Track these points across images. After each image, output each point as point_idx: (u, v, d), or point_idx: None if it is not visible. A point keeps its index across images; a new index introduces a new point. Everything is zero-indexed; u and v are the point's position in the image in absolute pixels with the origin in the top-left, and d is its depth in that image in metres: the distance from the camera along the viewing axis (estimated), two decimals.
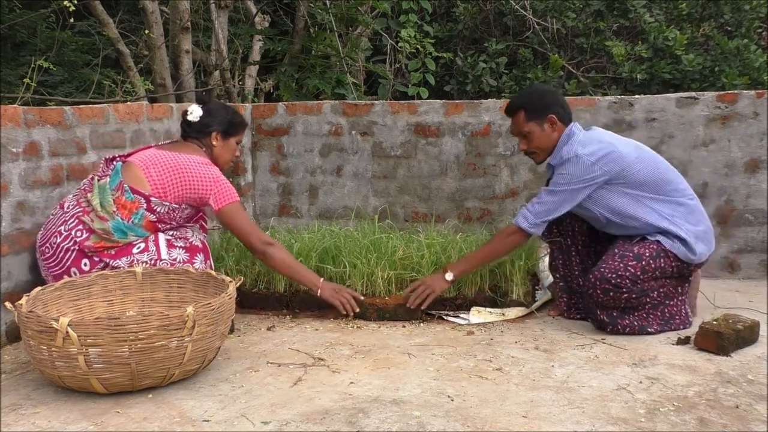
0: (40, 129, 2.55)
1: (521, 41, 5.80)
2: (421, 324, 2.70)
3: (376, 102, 3.73)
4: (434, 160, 3.66)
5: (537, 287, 3.04)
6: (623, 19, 5.50)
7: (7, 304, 2.00)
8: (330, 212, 3.81)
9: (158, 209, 2.46)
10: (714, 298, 2.89)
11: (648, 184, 2.51)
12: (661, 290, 2.53)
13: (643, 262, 2.47)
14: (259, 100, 5.54)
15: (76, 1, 3.65)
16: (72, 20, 4.07)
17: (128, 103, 3.34)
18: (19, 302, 2.02)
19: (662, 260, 2.48)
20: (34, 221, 2.52)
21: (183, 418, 1.87)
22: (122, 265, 2.42)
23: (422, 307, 2.68)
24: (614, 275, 2.47)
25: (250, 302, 2.87)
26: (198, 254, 2.54)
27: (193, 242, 2.56)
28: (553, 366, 2.23)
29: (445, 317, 2.76)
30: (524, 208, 2.59)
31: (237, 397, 2.00)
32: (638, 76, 5.09)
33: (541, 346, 2.43)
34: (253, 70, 5.65)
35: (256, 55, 5.75)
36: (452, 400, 1.96)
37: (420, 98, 5.27)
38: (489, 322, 2.70)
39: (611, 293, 2.48)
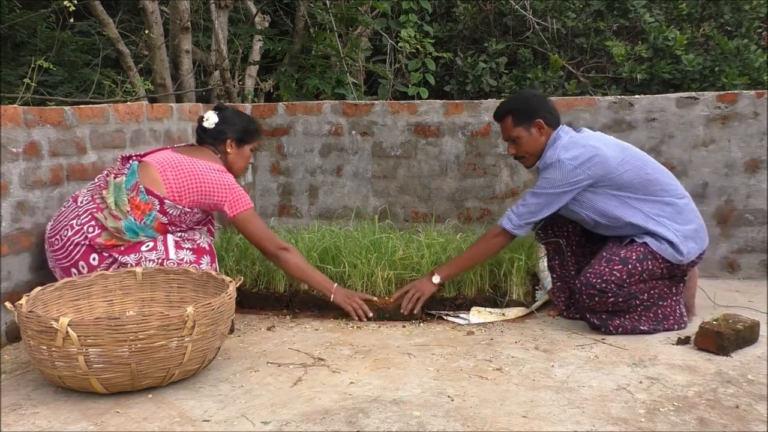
0: (40, 129, 2.55)
1: (521, 41, 5.80)
2: (421, 324, 2.70)
3: (376, 102, 3.74)
4: (434, 160, 3.66)
5: (537, 287, 3.05)
6: (623, 19, 5.50)
7: (7, 304, 2.00)
8: (330, 212, 3.81)
9: (171, 212, 2.49)
10: (714, 298, 2.89)
11: (634, 186, 2.51)
12: (653, 292, 2.54)
13: (629, 266, 2.48)
14: (259, 100, 5.54)
15: (76, 1, 3.64)
16: (72, 20, 4.07)
17: (128, 103, 3.34)
18: (19, 302, 2.02)
19: (650, 262, 2.49)
20: (34, 221, 2.52)
21: (183, 418, 1.87)
22: (130, 262, 2.44)
23: (414, 312, 2.70)
24: (599, 280, 2.48)
25: (250, 302, 2.87)
26: (204, 256, 2.57)
27: (201, 244, 2.59)
28: (553, 366, 2.23)
29: (445, 317, 2.76)
30: (509, 210, 2.62)
31: (237, 397, 2.00)
32: (638, 76, 5.09)
33: (541, 346, 2.43)
34: (253, 70, 5.65)
35: (256, 55, 5.74)
36: (452, 400, 1.96)
37: (420, 98, 5.27)
38: (489, 322, 2.70)
39: (596, 298, 2.49)
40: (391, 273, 2.79)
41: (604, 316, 2.55)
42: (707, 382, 2.09)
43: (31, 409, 1.93)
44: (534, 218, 2.57)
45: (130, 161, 2.54)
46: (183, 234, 2.58)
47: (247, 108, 3.82)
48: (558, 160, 2.50)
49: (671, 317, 2.57)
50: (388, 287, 2.79)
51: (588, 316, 2.59)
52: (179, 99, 4.57)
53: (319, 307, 2.80)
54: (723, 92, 3.37)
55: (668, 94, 3.43)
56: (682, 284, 2.62)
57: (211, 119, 2.67)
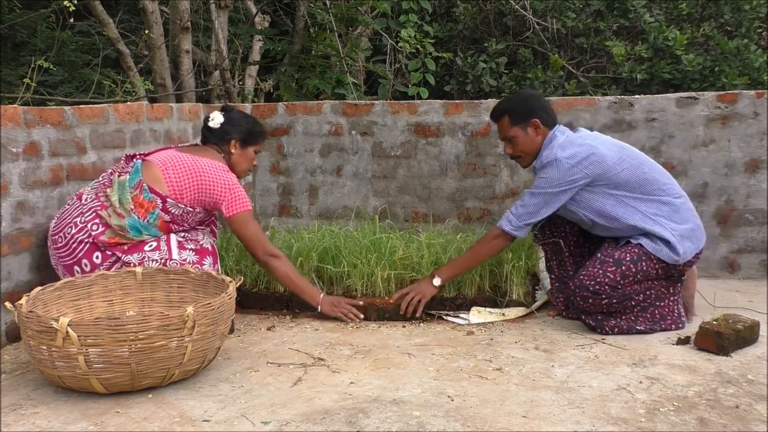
0: (40, 129, 2.55)
1: (521, 41, 5.80)
2: (421, 324, 2.70)
3: (376, 102, 3.74)
4: (434, 160, 3.66)
5: (537, 287, 3.04)
6: (623, 19, 5.50)
7: (7, 304, 2.00)
8: (330, 212, 3.81)
9: (173, 210, 2.49)
10: (714, 298, 2.89)
11: (630, 184, 2.51)
12: (649, 292, 2.54)
13: (623, 267, 2.48)
14: (259, 100, 5.54)
15: (76, 1, 3.64)
16: (72, 20, 4.07)
17: (128, 103, 3.34)
18: (19, 302, 2.02)
19: (644, 263, 2.49)
20: (34, 221, 2.52)
21: (183, 418, 1.87)
22: (133, 261, 2.45)
23: (416, 315, 2.70)
24: (592, 282, 2.48)
25: (250, 302, 2.87)
26: (207, 257, 2.57)
27: (204, 245, 2.60)
28: (553, 366, 2.23)
29: (445, 317, 2.76)
30: (508, 212, 2.62)
31: (237, 397, 2.00)
32: (638, 76, 5.09)
33: (541, 346, 2.43)
34: (253, 70, 5.65)
35: (256, 55, 5.75)
36: (452, 400, 1.96)
37: (420, 98, 5.27)
38: (489, 322, 2.70)
39: (590, 300, 2.49)
40: (391, 273, 2.80)
41: (599, 317, 2.55)
42: (707, 382, 2.09)
43: (31, 409, 1.93)
44: (533, 218, 2.57)
45: (134, 160, 2.55)
46: (186, 234, 2.59)
47: (247, 108, 3.82)
48: (555, 159, 2.50)
49: (669, 317, 2.57)
50: (388, 287, 2.79)
51: (583, 317, 2.59)
52: (179, 99, 4.57)
53: None
54: (723, 92, 3.37)
55: (668, 94, 3.43)
56: (679, 284, 2.62)
57: (216, 119, 2.69)
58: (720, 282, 3.27)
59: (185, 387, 2.07)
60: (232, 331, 2.56)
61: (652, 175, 2.55)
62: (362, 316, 2.71)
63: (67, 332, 1.86)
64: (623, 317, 2.54)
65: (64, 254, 2.42)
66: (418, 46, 5.34)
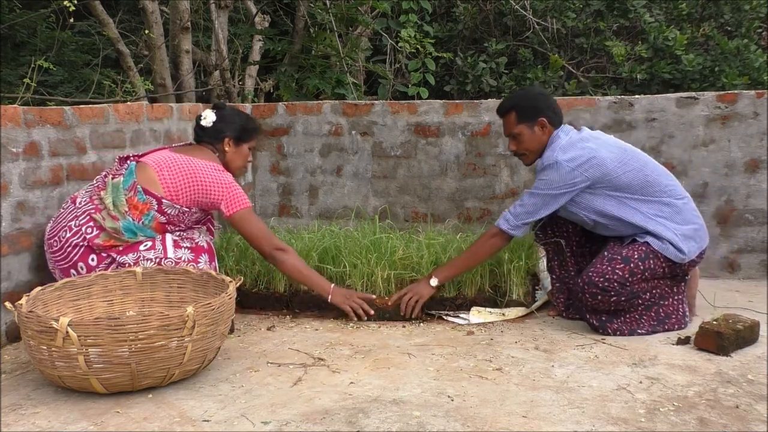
0: (40, 129, 2.55)
1: (521, 41, 5.80)
2: (421, 324, 2.70)
3: (376, 102, 3.74)
4: (434, 160, 3.66)
5: (537, 287, 3.04)
6: (623, 19, 5.50)
7: (7, 304, 2.00)
8: (330, 212, 3.81)
9: (169, 211, 2.48)
10: (714, 298, 2.89)
11: (632, 187, 2.51)
12: (655, 291, 2.54)
13: (632, 265, 2.48)
14: (259, 100, 5.54)
15: (76, 1, 3.64)
16: (72, 20, 4.07)
17: (128, 103, 3.34)
18: (19, 302, 2.02)
19: (651, 261, 2.49)
20: (34, 221, 2.52)
21: (183, 418, 1.87)
22: (129, 261, 2.44)
23: (414, 316, 2.70)
24: (602, 279, 2.48)
25: (250, 302, 2.87)
26: (203, 254, 2.56)
27: (199, 243, 2.59)
28: (553, 366, 2.23)
29: (445, 317, 2.76)
30: (506, 211, 2.62)
31: (237, 397, 2.00)
32: (638, 76, 5.09)
33: (541, 346, 2.43)
34: (253, 70, 5.65)
35: (256, 55, 5.74)
36: (452, 400, 1.96)
37: (420, 98, 5.26)
38: (489, 322, 2.70)
39: (599, 297, 2.49)
40: (391, 273, 2.79)
41: (603, 318, 2.55)
42: (707, 382, 2.09)
43: (31, 409, 1.93)
44: (531, 218, 2.57)
45: (128, 161, 2.54)
46: (182, 233, 2.58)
47: (247, 108, 3.82)
48: (555, 162, 2.50)
49: (673, 316, 2.57)
50: (388, 287, 2.79)
51: (588, 316, 2.59)
52: (179, 99, 4.57)
53: (319, 307, 2.79)
54: (723, 92, 3.37)
55: (668, 94, 3.43)
56: (683, 284, 2.62)
57: (208, 118, 2.66)
58: (720, 282, 3.27)
59: (185, 387, 2.07)
60: (232, 331, 2.56)
61: (654, 177, 2.54)
62: (372, 312, 2.69)
63: (67, 332, 1.86)
64: (627, 318, 2.54)
65: (59, 258, 2.42)
66: (418, 46, 5.34)
